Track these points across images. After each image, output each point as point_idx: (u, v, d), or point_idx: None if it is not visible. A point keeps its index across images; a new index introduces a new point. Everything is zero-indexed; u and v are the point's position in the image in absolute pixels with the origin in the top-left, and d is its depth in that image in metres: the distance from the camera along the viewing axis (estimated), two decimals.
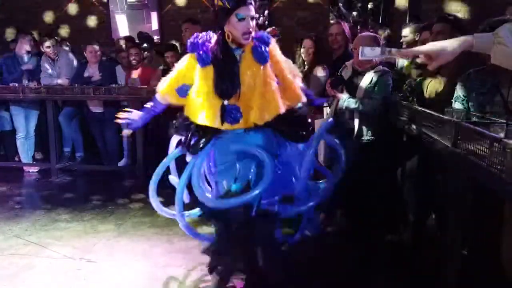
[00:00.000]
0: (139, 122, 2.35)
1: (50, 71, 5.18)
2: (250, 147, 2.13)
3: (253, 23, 2.04)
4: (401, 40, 4.16)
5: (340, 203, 3.30)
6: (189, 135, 2.18)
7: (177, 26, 5.49)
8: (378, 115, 3.11)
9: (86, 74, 5.03)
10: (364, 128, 3.14)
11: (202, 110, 2.09)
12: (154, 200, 2.39)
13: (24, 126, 5.19)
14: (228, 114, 2.07)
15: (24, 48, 5.14)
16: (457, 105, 2.39)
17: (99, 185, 4.65)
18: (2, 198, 4.26)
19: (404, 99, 3.02)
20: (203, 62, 2.09)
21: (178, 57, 4.55)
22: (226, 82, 2.05)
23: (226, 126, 2.11)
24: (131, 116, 2.33)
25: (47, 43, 5.11)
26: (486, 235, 2.14)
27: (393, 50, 1.48)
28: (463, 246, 2.29)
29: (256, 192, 2.05)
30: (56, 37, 5.38)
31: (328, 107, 3.46)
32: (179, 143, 2.32)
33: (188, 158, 2.30)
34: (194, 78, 2.15)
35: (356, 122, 3.14)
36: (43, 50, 5.23)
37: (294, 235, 2.60)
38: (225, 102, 2.07)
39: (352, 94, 3.13)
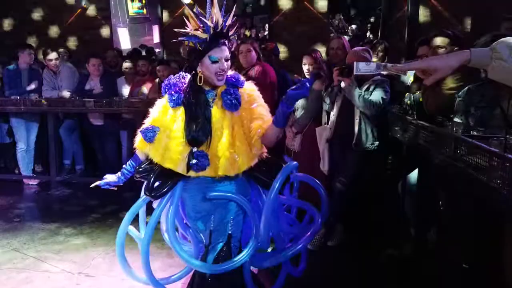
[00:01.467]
0: (118, 182, 2.22)
1: (51, 83, 5.20)
2: (231, 195, 1.98)
3: (227, 64, 1.92)
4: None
5: (340, 217, 3.29)
6: (152, 178, 2.00)
7: (178, 40, 5.52)
8: (377, 124, 3.12)
9: (87, 87, 5.04)
10: (364, 135, 3.14)
11: (169, 152, 1.95)
12: (122, 263, 2.19)
13: (25, 138, 5.18)
14: (195, 161, 1.93)
15: (25, 61, 5.16)
16: (457, 118, 2.39)
17: (98, 198, 4.62)
18: (1, 211, 4.23)
19: (404, 112, 3.03)
20: (174, 102, 1.98)
21: (170, 71, 4.57)
22: (197, 129, 1.92)
23: (191, 173, 1.97)
24: (107, 180, 2.24)
25: (50, 56, 5.13)
26: (487, 248, 2.12)
27: (388, 65, 1.46)
28: (464, 260, 2.27)
29: (250, 250, 1.94)
30: (59, 51, 5.39)
31: (327, 115, 3.46)
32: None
33: (155, 204, 2.13)
34: (165, 121, 2.00)
35: (356, 127, 3.14)
36: (45, 63, 5.26)
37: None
38: (194, 149, 1.93)
39: (350, 104, 3.14)
